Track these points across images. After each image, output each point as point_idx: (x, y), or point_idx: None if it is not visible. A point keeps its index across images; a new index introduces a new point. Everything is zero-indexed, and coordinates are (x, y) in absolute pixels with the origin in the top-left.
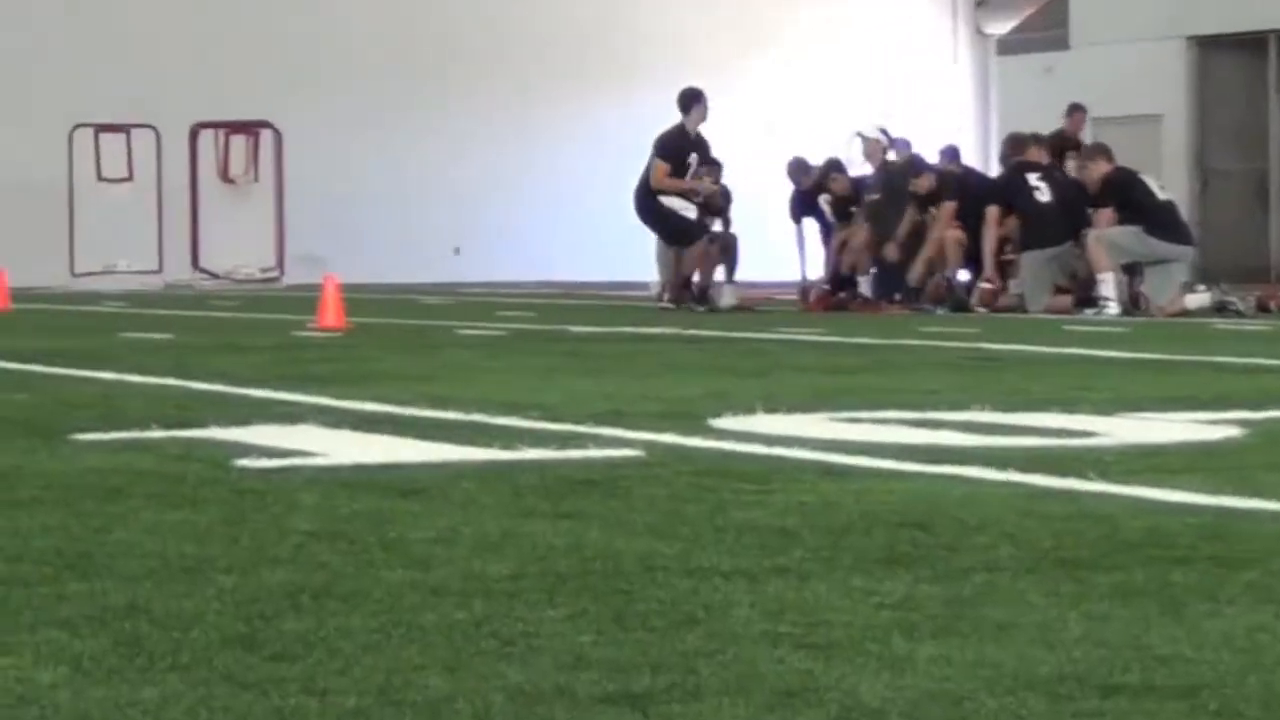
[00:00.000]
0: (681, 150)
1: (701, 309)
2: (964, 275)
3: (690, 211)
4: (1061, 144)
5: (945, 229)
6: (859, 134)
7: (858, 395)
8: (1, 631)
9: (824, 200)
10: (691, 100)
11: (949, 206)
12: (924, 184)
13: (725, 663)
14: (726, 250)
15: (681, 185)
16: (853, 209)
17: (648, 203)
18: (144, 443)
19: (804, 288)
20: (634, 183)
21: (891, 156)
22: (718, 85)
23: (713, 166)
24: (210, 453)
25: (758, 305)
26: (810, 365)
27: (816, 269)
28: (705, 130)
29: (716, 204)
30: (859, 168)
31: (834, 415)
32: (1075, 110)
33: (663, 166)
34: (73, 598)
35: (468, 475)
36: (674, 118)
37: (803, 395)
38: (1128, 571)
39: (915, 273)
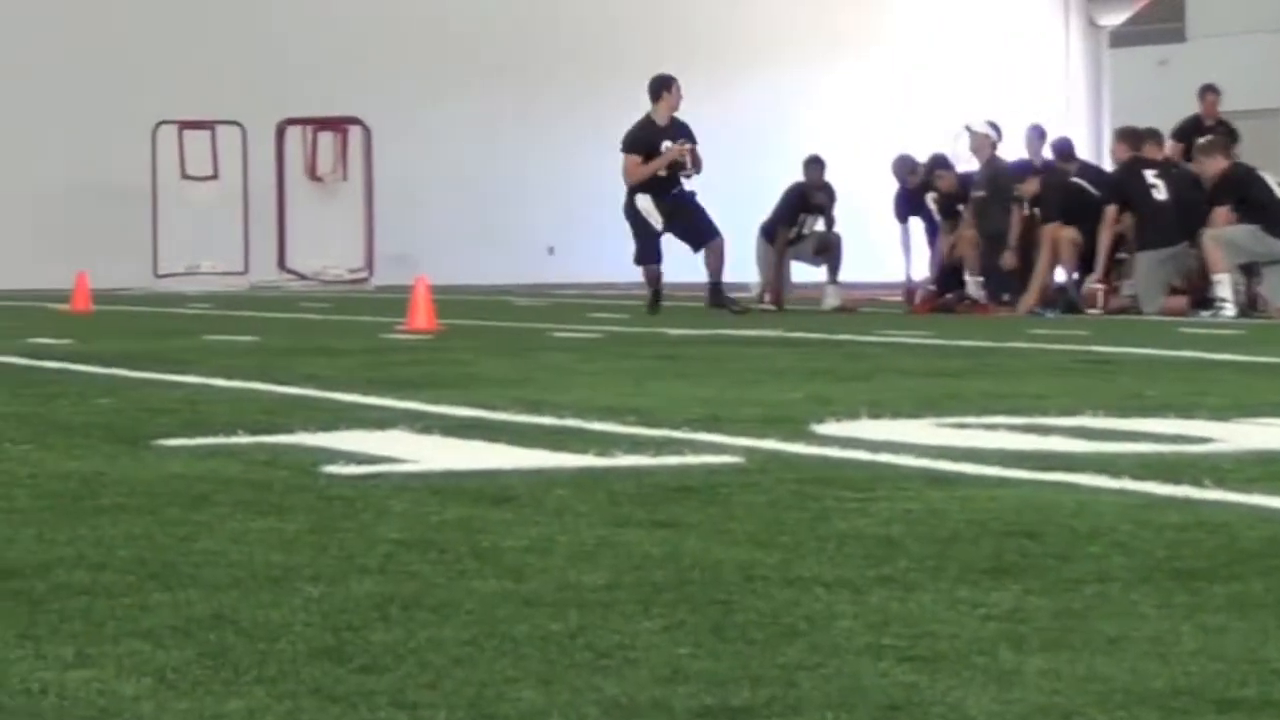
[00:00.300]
0: (651, 141)
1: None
2: (1060, 275)
3: (658, 225)
4: (1196, 129)
5: (1109, 231)
6: (967, 128)
7: (964, 400)
8: (85, 643)
9: (930, 198)
10: (660, 87)
11: (1111, 211)
12: (1029, 188)
13: (827, 676)
14: (829, 250)
15: (654, 166)
16: (959, 207)
17: (627, 204)
18: (229, 449)
19: (909, 289)
20: (739, 182)
21: (1000, 152)
22: (823, 80)
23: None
24: (297, 459)
25: (861, 307)
26: (915, 369)
27: (922, 269)
28: (728, 120)
29: (696, 161)
30: (966, 163)
31: (940, 421)
32: (1208, 92)
33: (632, 159)
34: (157, 608)
35: (562, 482)
36: (781, 117)
37: (908, 400)
38: (1245, 582)
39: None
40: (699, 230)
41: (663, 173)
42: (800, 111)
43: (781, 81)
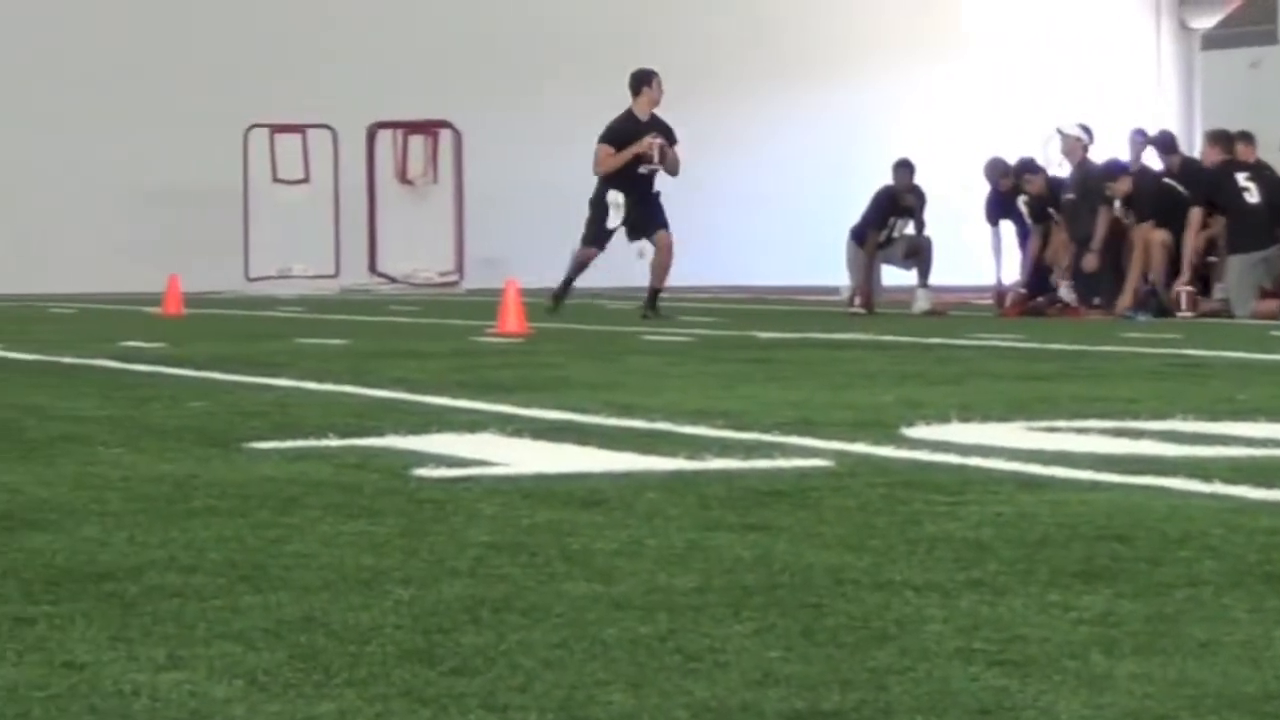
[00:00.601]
0: (629, 134)
1: (551, 306)
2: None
3: (614, 221)
4: None
5: (1194, 235)
6: (1058, 131)
7: (1055, 403)
8: (176, 645)
9: (1021, 201)
10: (641, 82)
11: (1196, 213)
12: (1121, 188)
13: (917, 680)
14: (919, 253)
15: (622, 157)
16: (1050, 210)
17: (597, 195)
18: (320, 451)
19: (999, 292)
20: (829, 185)
21: (1091, 154)
22: (914, 84)
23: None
24: (388, 462)
25: (951, 310)
26: (1006, 372)
27: (1013, 272)
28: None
29: (672, 162)
30: (1058, 166)
31: (1031, 424)
32: None
33: (604, 148)
34: (248, 610)
35: (652, 485)
36: (872, 121)
37: (998, 403)
38: None
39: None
40: (646, 221)
41: (643, 170)
42: (891, 115)
43: (872, 85)
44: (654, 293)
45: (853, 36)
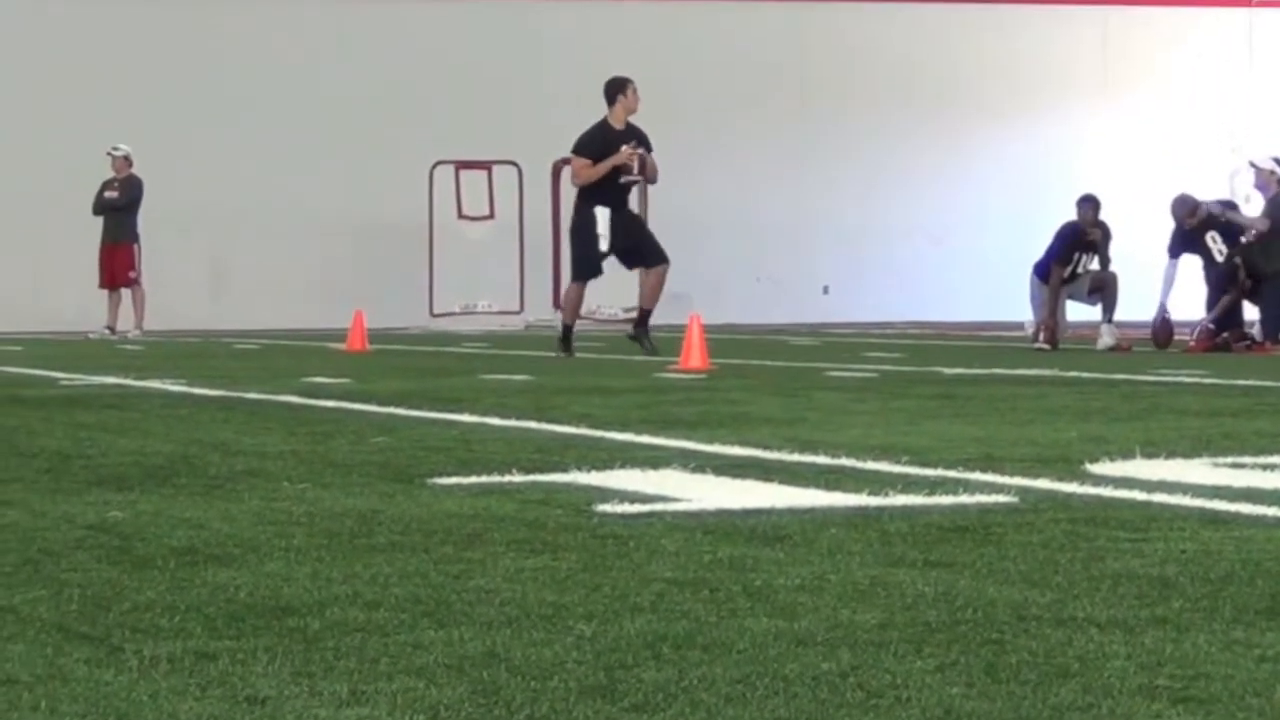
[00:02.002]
0: (605, 144)
1: (563, 355)
2: None
3: (605, 245)
4: None
5: None
6: (1251, 164)
7: (1241, 440)
8: (358, 680)
9: (1210, 237)
10: (616, 90)
11: None
12: None
13: (1099, 716)
14: (1104, 289)
15: (600, 169)
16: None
17: (578, 214)
18: (504, 487)
19: (1159, 320)
20: (1013, 220)
21: None
22: (1104, 117)
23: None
24: (571, 498)
25: (1136, 346)
26: (1191, 408)
27: (1187, 308)
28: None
29: (652, 171)
30: (1246, 200)
31: (1216, 460)
32: None
33: (581, 161)
34: (430, 646)
35: (835, 521)
36: (1063, 151)
37: (1183, 440)
38: None
39: None
40: (645, 252)
41: (624, 181)
42: (1076, 151)
43: (1058, 121)
44: (644, 314)
45: (1036, 73)
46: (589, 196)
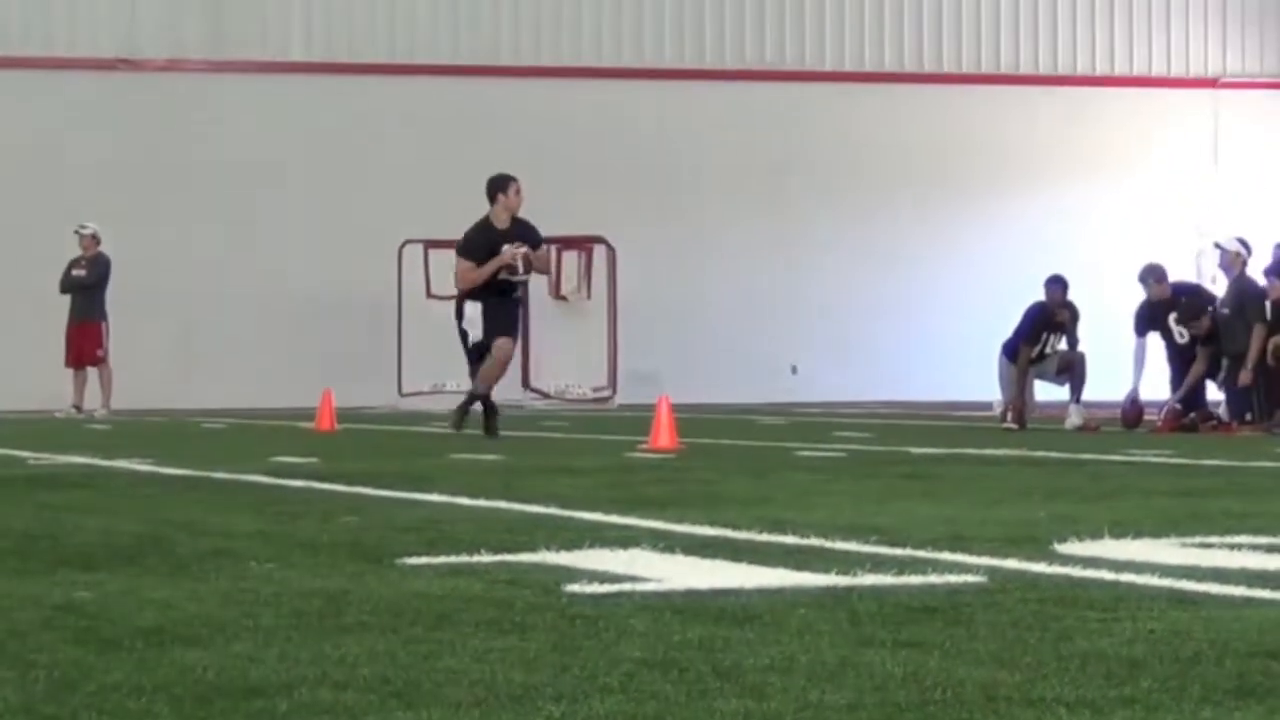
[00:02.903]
0: (489, 244)
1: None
2: None
3: (476, 337)
4: None
5: None
6: (1217, 245)
7: (1209, 519)
8: None
9: (1173, 318)
10: (496, 189)
11: None
12: (1275, 294)
13: None
14: (1072, 368)
15: (484, 272)
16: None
17: (456, 313)
18: (473, 567)
19: (1128, 401)
20: (977, 301)
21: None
22: (1068, 200)
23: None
24: (540, 578)
25: (1104, 426)
26: (1159, 488)
27: (1154, 388)
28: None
29: (541, 264)
30: (1211, 281)
31: (1184, 540)
32: None
33: (464, 264)
34: None
35: (804, 601)
36: (1031, 232)
37: (1151, 519)
38: None
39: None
40: (491, 324)
41: (509, 278)
42: (1042, 233)
43: (1025, 203)
44: (471, 399)
45: (1005, 153)
46: (468, 295)
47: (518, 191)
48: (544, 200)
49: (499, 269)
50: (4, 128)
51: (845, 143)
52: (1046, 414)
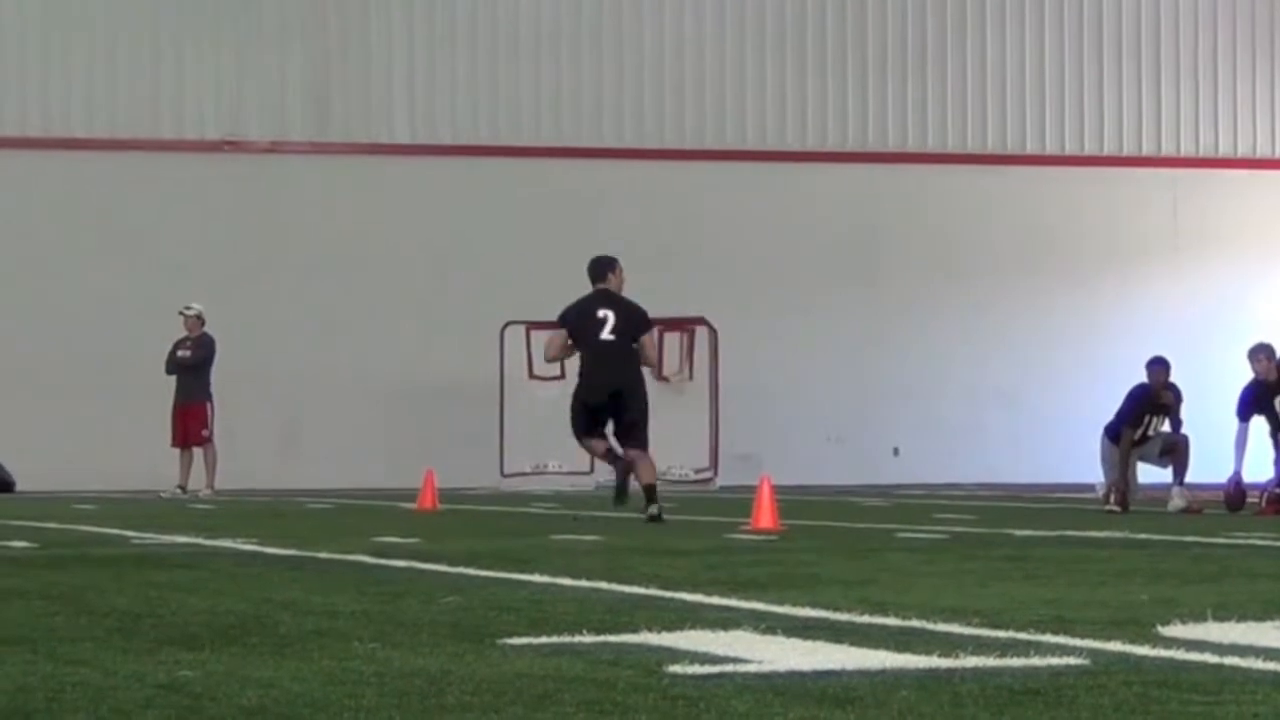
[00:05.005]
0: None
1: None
2: None
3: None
4: None
5: None
6: None
7: None
8: None
9: (1278, 400)
10: (606, 269)
11: None
12: None
13: None
14: (1175, 451)
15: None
16: None
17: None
18: (574, 647)
19: (1231, 485)
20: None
21: None
22: (1171, 275)
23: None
24: (641, 658)
25: (1207, 509)
26: (1264, 571)
27: (1257, 470)
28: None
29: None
30: None
31: None
32: None
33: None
34: None
35: (906, 683)
36: (1132, 312)
37: (1255, 602)
38: None
39: None
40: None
41: None
42: (1147, 313)
43: (1127, 283)
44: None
45: (1107, 233)
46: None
47: (621, 272)
48: (644, 281)
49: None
50: (111, 209)
51: (947, 224)
52: (1149, 496)
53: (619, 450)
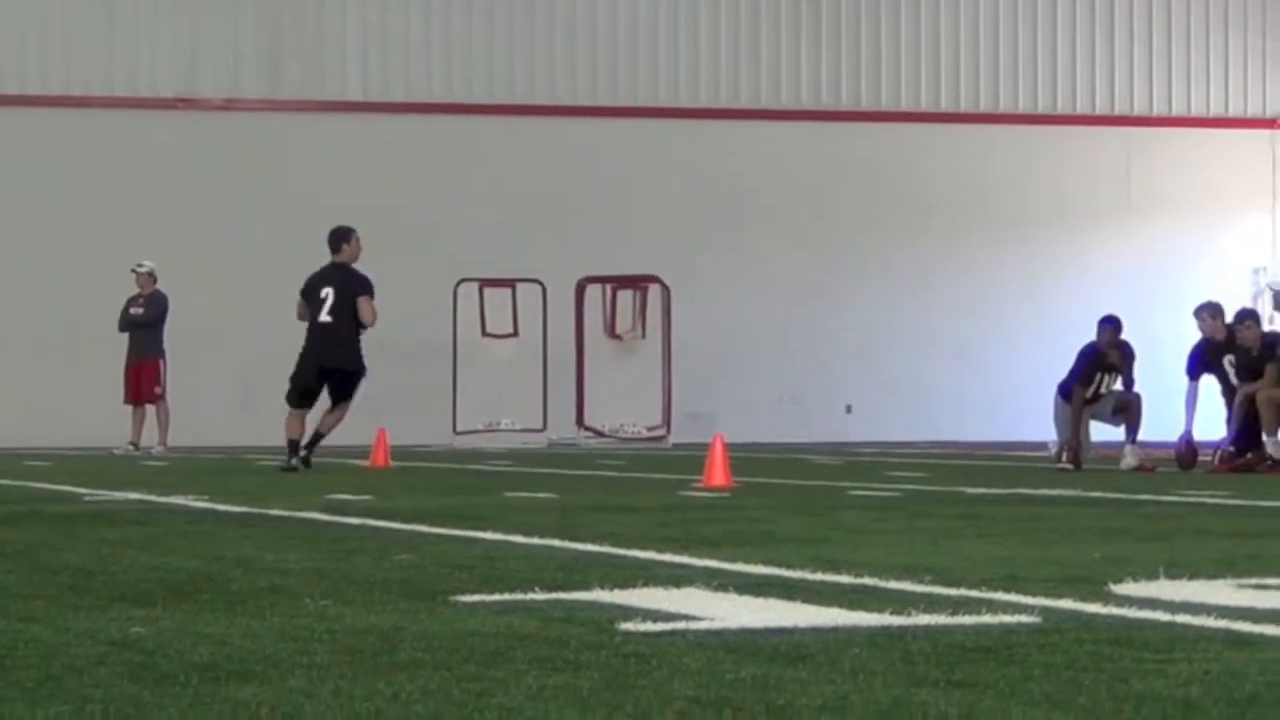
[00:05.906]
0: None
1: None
2: None
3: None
4: None
5: None
6: (1269, 286)
7: (1265, 561)
8: None
9: (1228, 361)
10: (341, 239)
11: None
12: None
13: None
14: (1128, 409)
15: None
16: (1267, 364)
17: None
18: (526, 605)
19: (1182, 443)
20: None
21: None
22: (1123, 234)
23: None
24: (594, 616)
25: (1160, 467)
26: (1215, 529)
27: (1208, 429)
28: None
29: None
30: (1270, 322)
31: (1240, 581)
32: None
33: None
34: None
35: (858, 641)
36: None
37: (1207, 560)
38: None
39: None
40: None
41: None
42: (1099, 272)
43: (1079, 241)
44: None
45: (1059, 191)
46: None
47: (357, 242)
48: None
49: None
50: (63, 166)
51: (900, 182)
52: (1102, 454)
53: (306, 439)
